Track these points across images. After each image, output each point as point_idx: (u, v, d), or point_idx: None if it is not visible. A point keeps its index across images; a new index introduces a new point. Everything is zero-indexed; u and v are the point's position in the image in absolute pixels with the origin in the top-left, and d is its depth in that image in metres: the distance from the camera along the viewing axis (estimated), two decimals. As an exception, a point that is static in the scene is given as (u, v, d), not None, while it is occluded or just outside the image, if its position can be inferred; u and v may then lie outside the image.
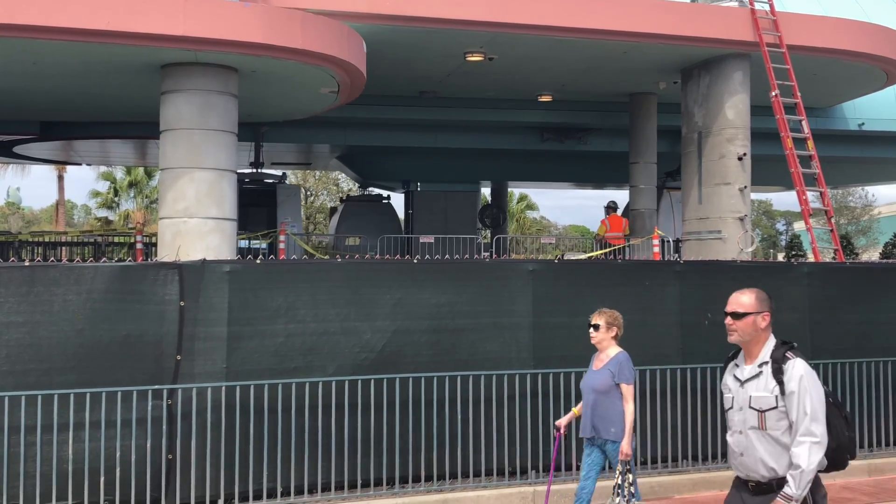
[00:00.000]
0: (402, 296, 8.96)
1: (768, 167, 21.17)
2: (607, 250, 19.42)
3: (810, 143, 15.49)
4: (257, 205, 19.90)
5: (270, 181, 20.69)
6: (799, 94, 15.61)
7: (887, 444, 10.62)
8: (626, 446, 7.12)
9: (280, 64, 13.20)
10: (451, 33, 14.74)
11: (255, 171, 21.70)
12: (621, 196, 22.38)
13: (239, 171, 21.43)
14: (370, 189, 31.13)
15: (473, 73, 17.60)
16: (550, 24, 14.62)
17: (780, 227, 70.58)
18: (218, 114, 13.21)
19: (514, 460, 9.16)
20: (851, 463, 10.11)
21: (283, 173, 24.23)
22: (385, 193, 29.59)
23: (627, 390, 7.23)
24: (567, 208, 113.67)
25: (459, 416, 8.98)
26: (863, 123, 21.92)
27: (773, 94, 15.43)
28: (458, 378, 8.97)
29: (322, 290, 8.72)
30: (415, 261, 9.29)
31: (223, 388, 8.21)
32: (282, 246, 17.15)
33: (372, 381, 8.66)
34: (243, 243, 17.65)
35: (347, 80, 14.36)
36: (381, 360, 8.81)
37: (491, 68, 17.08)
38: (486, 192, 32.78)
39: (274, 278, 8.63)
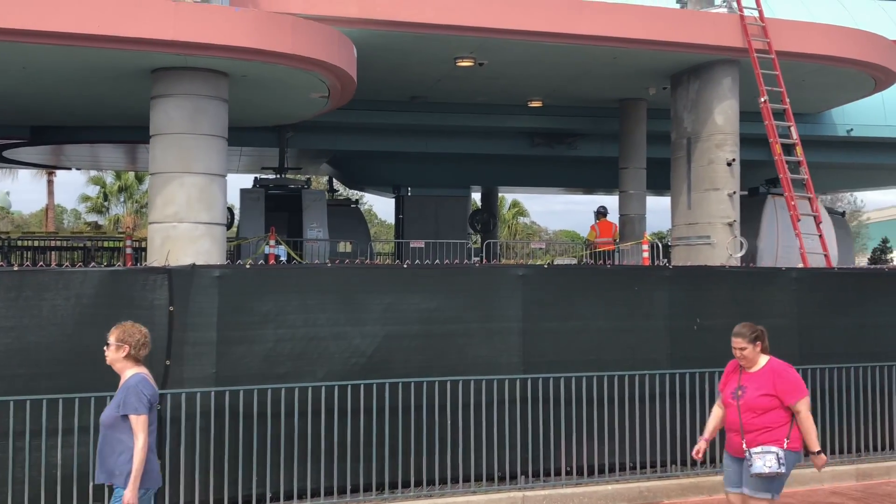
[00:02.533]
0: (392, 301, 8.96)
1: (757, 173, 21.25)
2: (592, 241, 19.67)
3: (799, 149, 15.57)
4: (283, 210, 19.75)
5: (295, 186, 20.58)
6: (787, 99, 15.69)
7: (875, 449, 10.64)
8: (129, 495, 5.69)
9: (270, 68, 13.20)
10: (441, 39, 14.77)
11: (278, 176, 21.62)
12: (611, 201, 22.45)
13: (263, 176, 21.43)
14: (338, 193, 31.04)
15: (464, 79, 17.63)
16: (540, 29, 14.67)
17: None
18: (208, 118, 13.21)
19: (504, 465, 9.16)
20: (840, 468, 10.03)
21: (308, 178, 24.07)
22: (354, 198, 29.47)
23: (136, 423, 5.76)
24: (557, 213, 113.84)
25: (449, 421, 8.98)
26: (851, 129, 22.04)
27: (762, 99, 15.50)
28: (448, 383, 8.97)
29: (312, 295, 8.71)
30: (405, 266, 9.31)
31: (212, 393, 8.20)
32: (271, 251, 17.11)
33: (362, 386, 8.66)
34: (279, 251, 17.56)
35: (338, 84, 14.37)
36: (370, 365, 8.81)
37: (481, 74, 17.11)
38: (476, 196, 32.82)
39: (264, 283, 8.62)
